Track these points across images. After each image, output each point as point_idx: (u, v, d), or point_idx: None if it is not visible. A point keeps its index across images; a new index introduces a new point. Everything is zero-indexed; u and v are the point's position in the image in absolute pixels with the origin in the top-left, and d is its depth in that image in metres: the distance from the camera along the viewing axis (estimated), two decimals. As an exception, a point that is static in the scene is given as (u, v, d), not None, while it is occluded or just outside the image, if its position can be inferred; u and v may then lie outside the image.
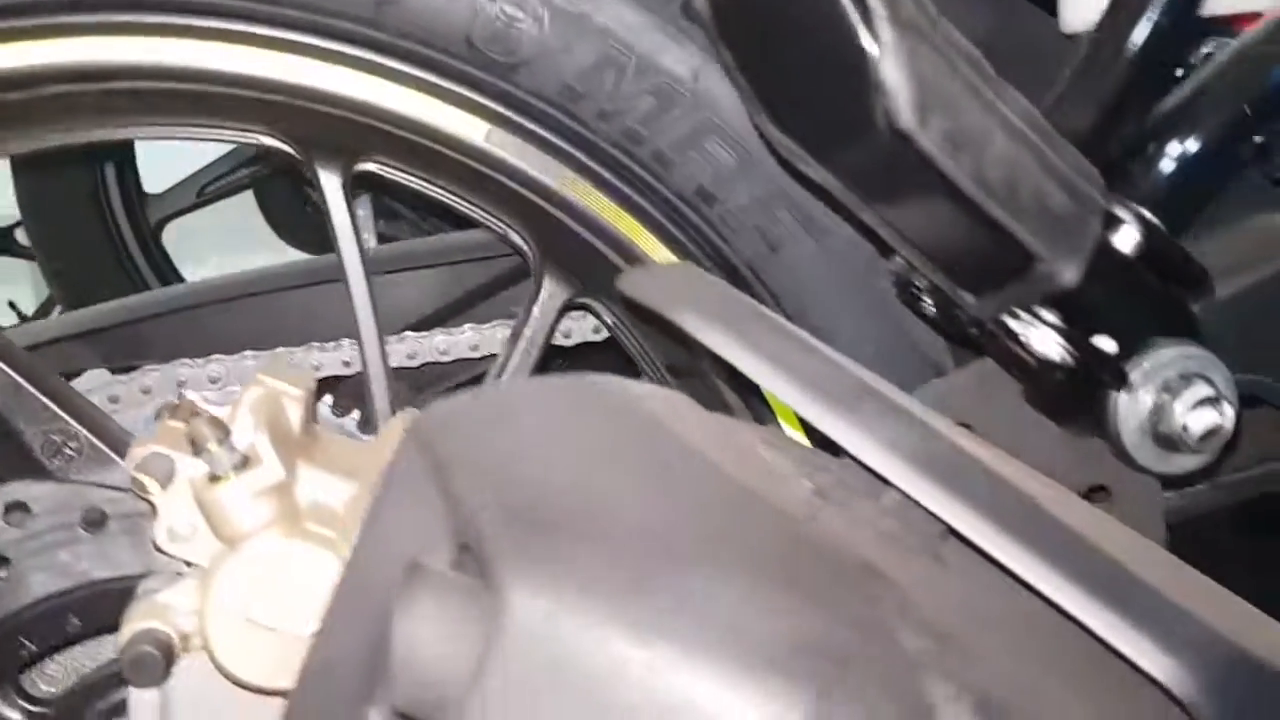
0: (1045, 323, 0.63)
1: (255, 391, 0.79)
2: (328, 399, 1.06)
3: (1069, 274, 0.61)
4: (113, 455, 0.89)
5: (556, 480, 0.52)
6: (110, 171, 2.56)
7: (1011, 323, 0.64)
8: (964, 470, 0.56)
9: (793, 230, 0.92)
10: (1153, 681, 0.51)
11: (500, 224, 1.01)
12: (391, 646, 0.51)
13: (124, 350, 1.26)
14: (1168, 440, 0.67)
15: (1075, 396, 0.66)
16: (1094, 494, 0.73)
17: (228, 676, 0.76)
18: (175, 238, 2.71)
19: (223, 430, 0.75)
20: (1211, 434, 0.67)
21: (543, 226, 0.98)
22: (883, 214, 0.65)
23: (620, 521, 0.50)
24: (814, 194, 0.83)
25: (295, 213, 2.63)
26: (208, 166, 2.72)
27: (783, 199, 0.91)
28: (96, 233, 2.56)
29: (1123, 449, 0.67)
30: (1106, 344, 0.64)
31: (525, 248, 1.01)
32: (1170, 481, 0.71)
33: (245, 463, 0.75)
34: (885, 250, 0.76)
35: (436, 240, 1.49)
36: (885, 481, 0.57)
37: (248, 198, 2.76)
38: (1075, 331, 0.64)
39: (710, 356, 0.61)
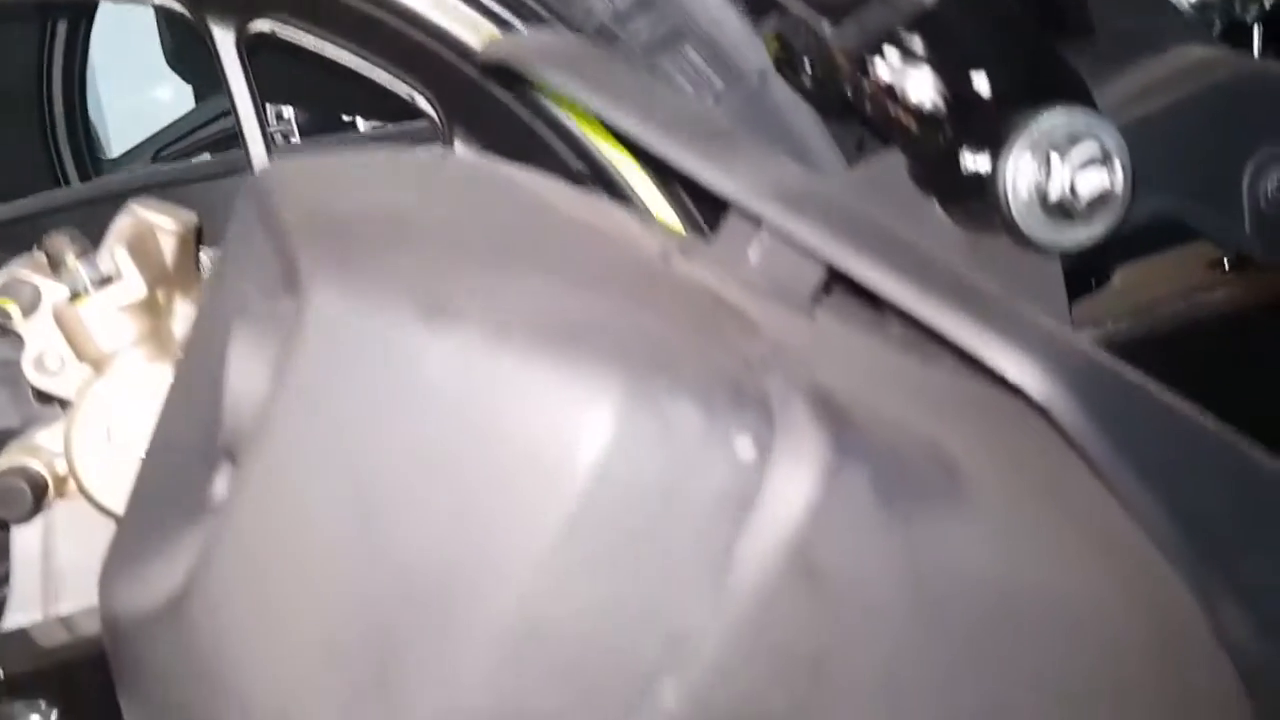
0: (913, 54, 0.60)
1: (125, 219, 0.76)
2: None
3: (927, -14, 0.58)
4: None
5: (378, 205, 0.49)
6: (64, 135, 2.52)
7: (883, 72, 0.61)
8: (840, 209, 0.53)
9: (702, 71, 0.89)
10: (1013, 390, 0.48)
11: (405, 85, 0.98)
12: (223, 392, 0.48)
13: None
14: (1059, 208, 0.63)
15: (960, 165, 0.63)
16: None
17: (94, 504, 0.73)
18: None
19: (83, 247, 0.71)
20: (1102, 200, 0.64)
21: (446, 83, 0.94)
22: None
23: (435, 229, 0.47)
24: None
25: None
26: (164, 130, 2.67)
27: (690, 36, 0.87)
28: (50, 197, 2.51)
29: (1013, 224, 0.64)
30: (981, 83, 0.61)
31: (431, 111, 0.98)
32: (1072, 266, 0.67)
33: (107, 281, 0.71)
34: (758, 8, 0.73)
35: (358, 133, 1.45)
36: (755, 224, 0.54)
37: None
38: (948, 65, 0.60)
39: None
